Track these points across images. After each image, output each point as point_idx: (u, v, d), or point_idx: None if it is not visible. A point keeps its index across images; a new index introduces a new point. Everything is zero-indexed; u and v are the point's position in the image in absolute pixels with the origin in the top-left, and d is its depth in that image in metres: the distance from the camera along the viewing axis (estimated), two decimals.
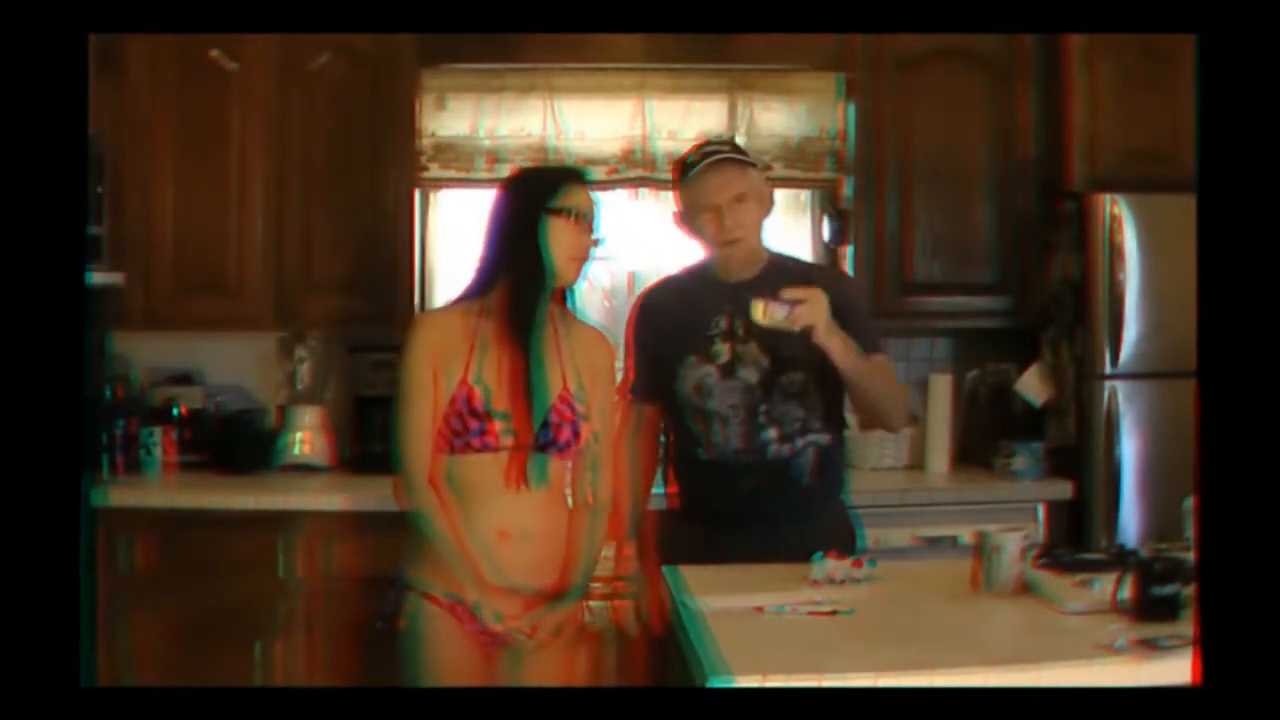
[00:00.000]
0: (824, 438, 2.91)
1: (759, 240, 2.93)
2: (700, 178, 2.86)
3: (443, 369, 2.64)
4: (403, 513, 2.70)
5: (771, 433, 2.87)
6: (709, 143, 3.00)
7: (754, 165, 2.94)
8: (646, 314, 3.05)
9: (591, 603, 2.85)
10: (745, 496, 2.88)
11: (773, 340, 2.83)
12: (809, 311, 2.66)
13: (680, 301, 2.99)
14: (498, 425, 2.63)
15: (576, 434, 2.69)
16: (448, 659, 2.65)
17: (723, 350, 2.89)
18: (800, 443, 2.89)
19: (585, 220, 2.70)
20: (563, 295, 2.76)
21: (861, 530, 3.02)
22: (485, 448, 2.62)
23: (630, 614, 3.01)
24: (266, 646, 3.66)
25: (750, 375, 2.87)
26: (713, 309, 2.91)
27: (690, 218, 2.91)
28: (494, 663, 2.67)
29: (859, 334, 2.82)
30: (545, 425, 2.65)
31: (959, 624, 2.26)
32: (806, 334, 2.67)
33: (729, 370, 2.88)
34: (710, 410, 2.89)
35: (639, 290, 3.28)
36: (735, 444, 2.89)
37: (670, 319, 2.97)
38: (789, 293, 2.68)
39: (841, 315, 2.75)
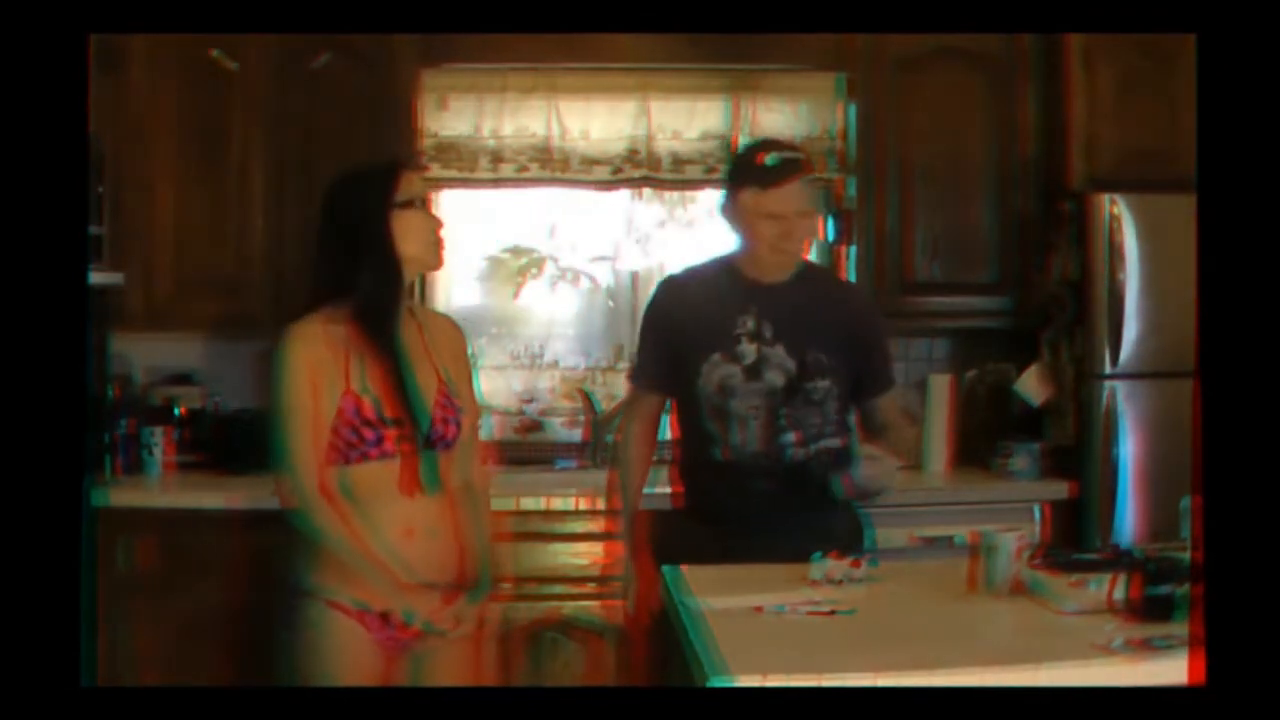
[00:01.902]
0: (837, 441, 2.90)
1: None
2: (782, 187, 2.78)
3: (323, 381, 2.57)
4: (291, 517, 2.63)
5: (791, 436, 2.85)
6: (790, 148, 2.94)
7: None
8: (667, 303, 2.98)
9: (498, 603, 2.77)
10: (760, 499, 2.84)
11: (800, 346, 2.83)
12: (884, 476, 2.81)
13: (704, 296, 2.93)
14: (392, 431, 2.57)
15: (459, 427, 2.66)
16: (354, 668, 2.60)
17: (749, 351, 2.85)
18: (816, 447, 2.87)
19: (427, 204, 2.72)
20: (412, 289, 2.74)
21: (872, 530, 3.02)
22: (384, 455, 2.57)
23: (621, 610, 3.00)
24: (266, 646, 3.65)
25: (776, 378, 2.84)
26: (739, 307, 2.86)
27: (749, 217, 2.82)
28: (400, 669, 2.63)
29: (877, 365, 2.89)
30: (432, 424, 2.62)
31: (957, 624, 2.26)
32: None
33: (754, 372, 2.84)
34: (731, 410, 2.85)
35: (641, 290, 3.27)
36: (754, 446, 2.85)
37: (693, 312, 2.92)
38: (868, 466, 2.84)
39: (865, 344, 2.81)
